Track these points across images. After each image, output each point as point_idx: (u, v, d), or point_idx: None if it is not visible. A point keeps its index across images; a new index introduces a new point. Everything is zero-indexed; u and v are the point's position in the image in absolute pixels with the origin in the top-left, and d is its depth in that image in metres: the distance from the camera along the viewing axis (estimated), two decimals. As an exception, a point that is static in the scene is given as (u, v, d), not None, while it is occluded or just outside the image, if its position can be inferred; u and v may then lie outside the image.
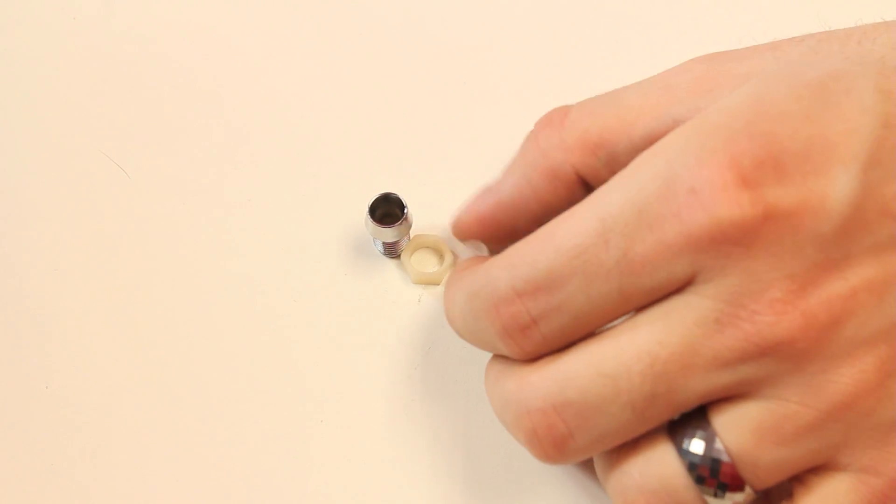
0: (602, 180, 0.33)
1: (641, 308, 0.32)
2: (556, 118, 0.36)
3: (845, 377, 0.31)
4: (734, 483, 0.32)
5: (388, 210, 0.43)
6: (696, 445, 0.32)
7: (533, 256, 0.32)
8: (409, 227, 0.43)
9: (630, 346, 0.32)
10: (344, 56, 0.50)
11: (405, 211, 0.43)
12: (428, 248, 0.45)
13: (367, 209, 0.43)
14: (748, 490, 0.32)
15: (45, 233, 0.46)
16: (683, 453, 0.32)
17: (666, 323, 0.31)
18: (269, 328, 0.44)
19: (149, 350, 0.43)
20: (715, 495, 0.32)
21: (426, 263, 0.45)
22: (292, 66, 0.49)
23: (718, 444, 0.32)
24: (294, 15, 0.51)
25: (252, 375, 0.43)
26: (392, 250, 0.44)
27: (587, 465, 0.41)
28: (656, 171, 0.31)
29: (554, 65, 0.50)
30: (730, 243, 0.30)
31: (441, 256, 0.45)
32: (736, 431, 0.32)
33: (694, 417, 0.33)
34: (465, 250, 0.44)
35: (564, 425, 0.33)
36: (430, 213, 0.45)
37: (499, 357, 0.36)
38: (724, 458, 0.32)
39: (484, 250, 0.40)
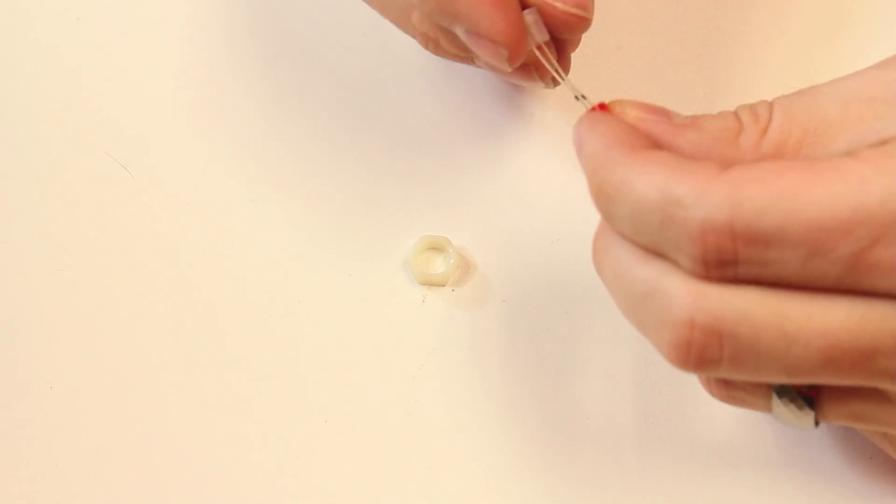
0: None
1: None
2: (761, 117, 0.34)
3: None
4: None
5: None
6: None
7: (764, 206, 0.30)
8: None
9: (821, 319, 0.31)
10: (337, 50, 0.50)
11: None
12: (433, 248, 0.45)
13: None
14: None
15: (48, 233, 0.45)
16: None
17: (864, 317, 0.30)
18: (273, 329, 0.44)
19: (153, 350, 0.43)
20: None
21: (431, 264, 0.45)
22: (291, 66, 0.49)
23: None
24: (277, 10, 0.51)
25: (256, 376, 0.43)
26: None
27: (592, 471, 0.41)
28: None
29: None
30: None
31: (446, 257, 0.44)
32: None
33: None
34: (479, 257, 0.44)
35: (719, 353, 0.31)
36: (435, 213, 0.45)
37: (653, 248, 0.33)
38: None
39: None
